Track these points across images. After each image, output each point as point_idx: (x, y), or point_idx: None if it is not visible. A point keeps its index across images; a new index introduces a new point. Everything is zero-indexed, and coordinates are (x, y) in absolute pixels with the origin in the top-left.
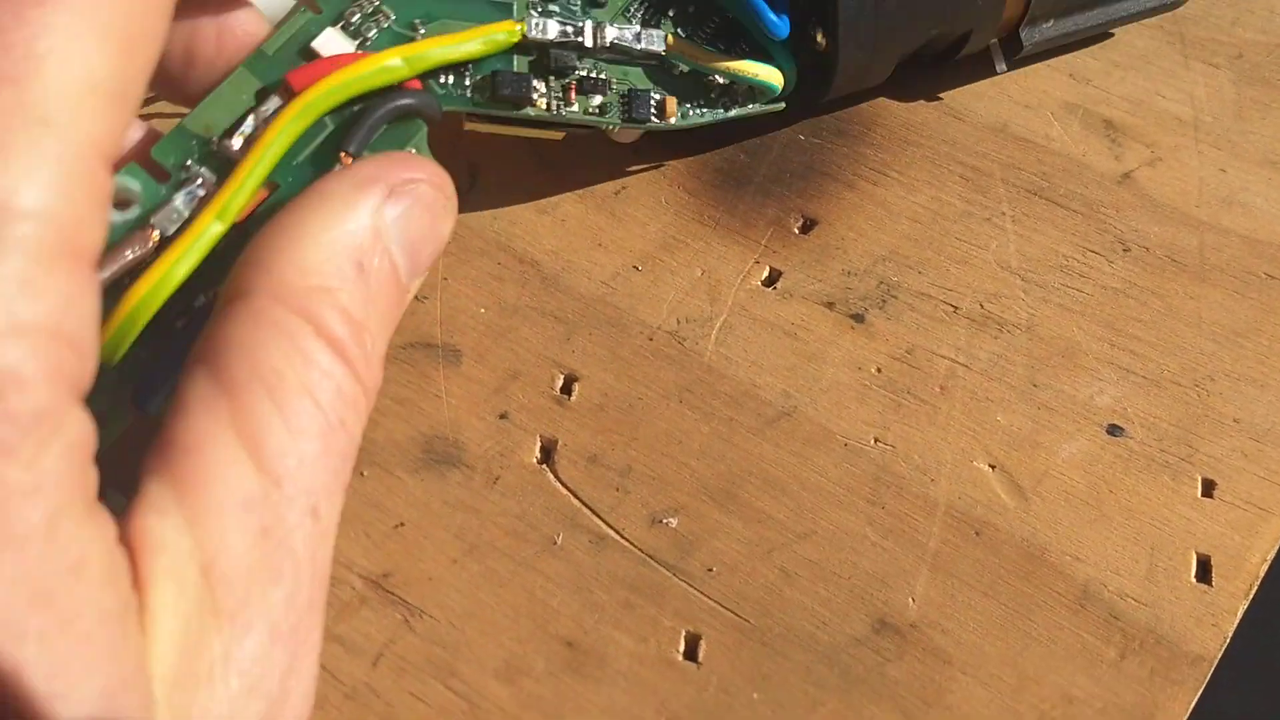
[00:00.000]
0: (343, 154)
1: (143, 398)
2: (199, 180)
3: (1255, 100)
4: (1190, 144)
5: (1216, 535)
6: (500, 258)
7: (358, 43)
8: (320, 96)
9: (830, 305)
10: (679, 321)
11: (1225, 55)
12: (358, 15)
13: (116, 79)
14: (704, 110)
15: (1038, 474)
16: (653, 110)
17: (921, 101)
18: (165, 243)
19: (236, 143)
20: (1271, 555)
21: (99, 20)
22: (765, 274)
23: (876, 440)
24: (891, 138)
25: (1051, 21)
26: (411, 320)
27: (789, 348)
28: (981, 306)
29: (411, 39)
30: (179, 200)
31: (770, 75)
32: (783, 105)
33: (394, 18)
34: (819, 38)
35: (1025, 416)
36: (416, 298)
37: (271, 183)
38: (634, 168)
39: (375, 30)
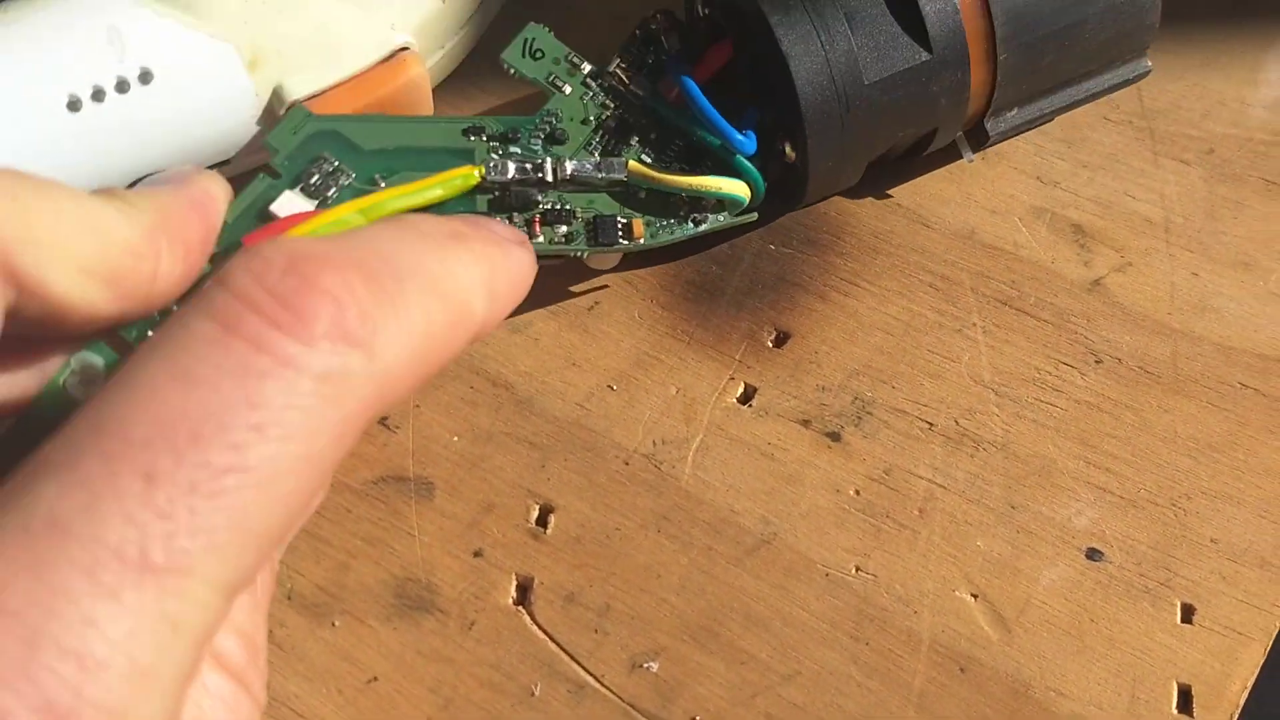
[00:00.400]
0: None
1: None
2: None
3: (1227, 198)
4: (1161, 247)
5: (1196, 663)
6: (473, 381)
7: (317, 202)
8: None
9: (806, 423)
10: (655, 444)
11: (1196, 151)
12: (316, 176)
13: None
14: (674, 228)
15: (1019, 603)
16: (620, 233)
17: (889, 204)
18: None
19: None
20: (1251, 682)
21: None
22: (740, 390)
23: (858, 569)
24: (861, 246)
25: (1015, 110)
26: (383, 452)
27: (766, 469)
28: (957, 423)
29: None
30: None
31: (736, 188)
32: (754, 216)
33: (354, 175)
34: (787, 150)
35: (1005, 540)
36: (388, 428)
37: None
38: (604, 281)
39: (335, 189)
